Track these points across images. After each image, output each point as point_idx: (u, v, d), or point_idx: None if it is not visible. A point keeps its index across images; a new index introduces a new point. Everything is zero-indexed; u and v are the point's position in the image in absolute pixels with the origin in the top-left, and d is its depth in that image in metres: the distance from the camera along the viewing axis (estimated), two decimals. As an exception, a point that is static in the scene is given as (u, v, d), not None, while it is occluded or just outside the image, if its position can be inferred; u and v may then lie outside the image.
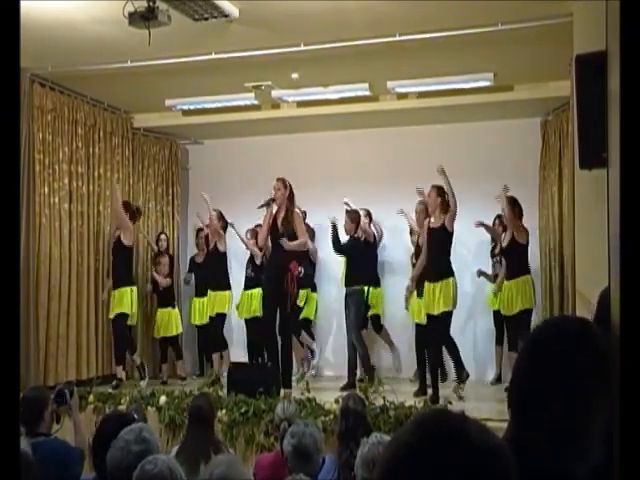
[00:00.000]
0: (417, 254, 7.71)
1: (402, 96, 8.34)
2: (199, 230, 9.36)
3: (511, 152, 8.61)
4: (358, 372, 8.11)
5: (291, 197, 7.16)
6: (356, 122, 8.94)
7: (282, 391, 6.83)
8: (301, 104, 8.66)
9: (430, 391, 7.01)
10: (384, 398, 6.26)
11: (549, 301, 8.01)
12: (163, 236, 9.37)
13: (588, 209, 5.49)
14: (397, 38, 6.47)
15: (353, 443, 3.99)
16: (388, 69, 7.45)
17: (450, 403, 6.44)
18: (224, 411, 6.36)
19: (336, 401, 5.92)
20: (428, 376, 7.33)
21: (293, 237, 7.08)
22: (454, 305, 7.06)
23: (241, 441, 6.31)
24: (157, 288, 9.02)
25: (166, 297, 9.01)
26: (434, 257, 7.14)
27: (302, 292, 8.46)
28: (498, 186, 7.95)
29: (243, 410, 6.36)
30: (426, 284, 7.14)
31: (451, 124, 8.84)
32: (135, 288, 8.38)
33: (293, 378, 7.25)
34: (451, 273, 7.10)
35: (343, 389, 7.12)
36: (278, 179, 7.23)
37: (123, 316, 8.19)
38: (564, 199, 7.44)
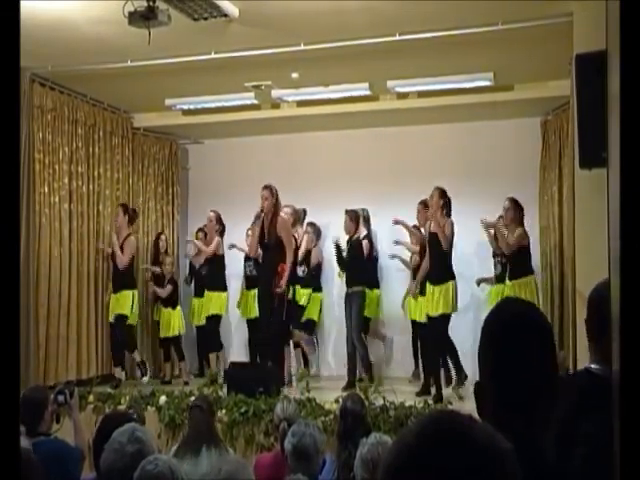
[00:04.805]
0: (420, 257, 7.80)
1: (402, 96, 8.34)
2: (199, 230, 9.31)
3: (511, 152, 8.60)
4: (358, 372, 8.11)
5: (277, 204, 7.34)
6: (356, 122, 8.93)
7: (282, 390, 6.84)
8: (301, 104, 8.65)
9: (433, 390, 7.02)
10: (384, 398, 6.26)
11: (549, 301, 7.99)
12: (163, 236, 9.33)
13: (588, 209, 5.49)
14: (397, 38, 6.47)
15: (352, 443, 3.98)
16: (388, 69, 7.44)
17: (450, 403, 6.44)
18: (224, 411, 6.36)
19: (336, 401, 5.92)
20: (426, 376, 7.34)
21: (279, 243, 7.26)
22: (454, 308, 7.10)
23: (241, 441, 6.31)
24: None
25: (169, 297, 8.94)
26: (435, 260, 7.18)
27: (304, 292, 8.46)
28: (498, 186, 7.94)
29: (243, 410, 6.36)
30: (428, 286, 7.20)
31: (451, 124, 8.83)
32: (136, 291, 8.37)
33: (293, 378, 7.29)
34: (451, 276, 7.12)
35: (344, 389, 7.13)
36: (264, 187, 7.36)
37: (123, 317, 8.20)
38: (564, 199, 7.44)
